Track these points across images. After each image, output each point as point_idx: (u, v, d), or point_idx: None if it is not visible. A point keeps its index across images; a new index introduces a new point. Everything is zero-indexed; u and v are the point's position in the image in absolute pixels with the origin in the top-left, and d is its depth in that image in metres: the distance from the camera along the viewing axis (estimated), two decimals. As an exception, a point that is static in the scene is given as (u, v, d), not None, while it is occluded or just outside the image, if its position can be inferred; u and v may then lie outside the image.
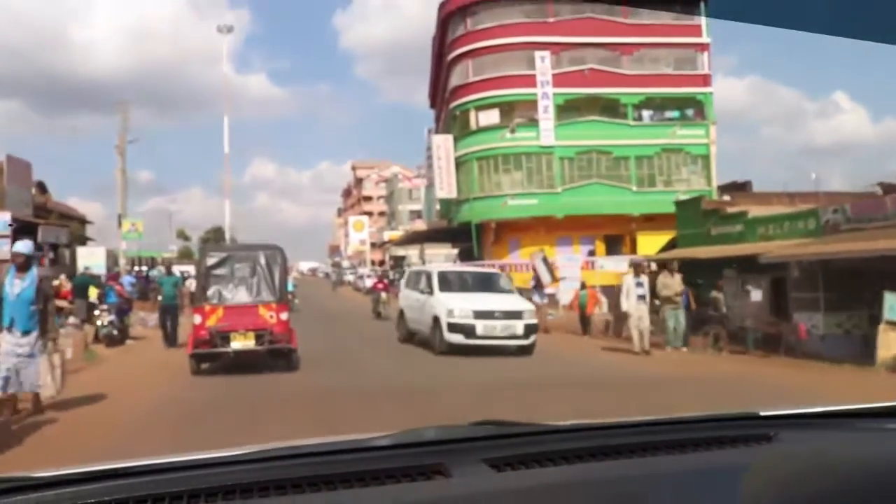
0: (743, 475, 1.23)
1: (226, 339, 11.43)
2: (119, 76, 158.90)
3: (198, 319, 11.68)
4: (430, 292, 15.33)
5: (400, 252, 79.60)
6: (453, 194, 38.81)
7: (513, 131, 36.32)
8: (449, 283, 15.81)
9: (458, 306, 14.43)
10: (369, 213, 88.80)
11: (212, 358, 11.77)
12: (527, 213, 36.11)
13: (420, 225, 51.89)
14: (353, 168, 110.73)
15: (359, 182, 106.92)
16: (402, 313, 17.40)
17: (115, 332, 15.33)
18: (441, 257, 70.41)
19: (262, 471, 1.40)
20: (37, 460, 6.35)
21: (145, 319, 21.26)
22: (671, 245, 25.12)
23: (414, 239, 54.10)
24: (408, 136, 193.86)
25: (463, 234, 40.68)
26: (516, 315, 14.57)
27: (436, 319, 14.71)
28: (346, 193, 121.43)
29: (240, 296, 11.77)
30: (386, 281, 28.10)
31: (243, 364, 11.62)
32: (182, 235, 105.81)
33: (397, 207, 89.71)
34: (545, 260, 25.40)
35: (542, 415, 5.06)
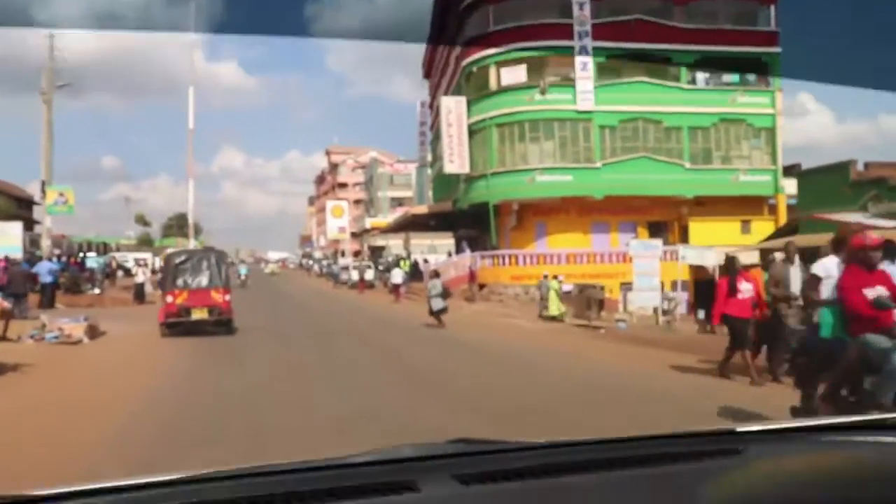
0: (710, 485, 1.32)
1: (188, 312, 15.95)
2: (85, 58, 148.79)
3: (169, 299, 16.08)
4: None
5: (380, 242, 72.69)
6: (465, 169, 31.92)
7: (543, 92, 29.57)
8: None
9: None
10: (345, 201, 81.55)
11: (177, 325, 15.88)
12: (559, 192, 29.53)
13: (417, 209, 44.84)
14: (328, 153, 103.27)
15: (333, 168, 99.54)
16: None
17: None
18: (425, 248, 63.76)
19: (235, 488, 1.41)
20: None
21: (52, 323, 14.34)
22: (788, 231, 18.76)
23: (408, 225, 47.18)
24: (383, 126, 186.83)
25: (469, 219, 33.96)
26: None
27: None
28: (320, 180, 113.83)
29: (197, 282, 16.29)
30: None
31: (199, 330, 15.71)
32: (141, 221, 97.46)
33: (376, 194, 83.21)
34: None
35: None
